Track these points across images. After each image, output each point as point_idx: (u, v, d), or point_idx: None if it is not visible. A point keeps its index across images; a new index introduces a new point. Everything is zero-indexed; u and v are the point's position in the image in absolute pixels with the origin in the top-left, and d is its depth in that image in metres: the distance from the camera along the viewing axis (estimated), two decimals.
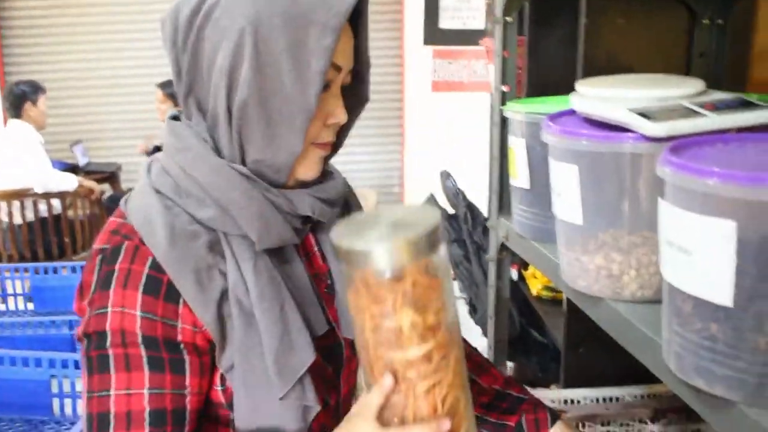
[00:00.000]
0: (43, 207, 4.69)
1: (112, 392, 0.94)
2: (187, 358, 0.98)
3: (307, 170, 1.05)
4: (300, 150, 1.00)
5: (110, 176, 5.88)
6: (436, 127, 6.26)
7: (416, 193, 2.69)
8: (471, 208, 2.50)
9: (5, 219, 4.60)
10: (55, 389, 1.84)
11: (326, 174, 1.11)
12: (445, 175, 2.68)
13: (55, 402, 1.85)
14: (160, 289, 0.97)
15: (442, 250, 0.87)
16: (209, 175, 0.99)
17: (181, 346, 0.98)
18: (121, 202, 1.06)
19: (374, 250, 0.82)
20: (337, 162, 1.16)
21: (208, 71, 0.98)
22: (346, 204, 1.18)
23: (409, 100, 6.51)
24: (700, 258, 0.73)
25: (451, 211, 2.65)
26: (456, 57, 6.33)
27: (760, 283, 0.70)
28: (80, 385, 1.82)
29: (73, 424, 1.60)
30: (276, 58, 0.95)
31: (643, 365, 1.79)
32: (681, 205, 0.75)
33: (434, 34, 6.28)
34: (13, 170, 4.64)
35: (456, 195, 2.55)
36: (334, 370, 1.11)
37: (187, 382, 0.98)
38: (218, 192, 0.99)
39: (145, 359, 0.95)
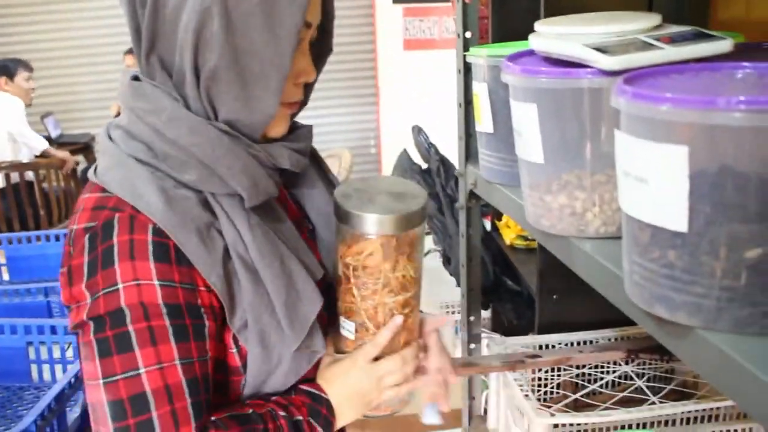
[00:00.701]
0: (14, 175, 4.67)
1: (142, 370, 0.89)
2: (207, 323, 0.96)
3: (278, 129, 1.04)
4: (276, 111, 0.99)
5: (84, 147, 5.84)
6: (410, 85, 6.25)
7: (393, 151, 2.68)
8: (443, 161, 2.50)
9: None
10: (32, 356, 1.84)
11: (293, 125, 1.10)
12: (417, 130, 2.67)
13: (33, 368, 1.85)
14: (170, 255, 0.93)
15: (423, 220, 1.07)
16: (189, 135, 0.95)
17: (202, 310, 0.95)
18: (90, 176, 1.01)
19: (387, 218, 1.01)
20: (314, 124, 1.17)
21: (172, 28, 0.94)
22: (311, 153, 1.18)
23: (382, 60, 6.47)
24: (655, 186, 0.73)
25: (424, 165, 2.64)
26: (426, 14, 6.29)
27: (714, 208, 0.70)
28: (58, 352, 1.83)
29: (49, 389, 1.59)
30: (247, 16, 0.92)
31: (616, 309, 1.82)
32: (636, 134, 0.74)
33: None
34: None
35: (428, 149, 2.55)
36: (327, 312, 1.11)
37: (207, 346, 0.96)
38: (201, 152, 0.96)
39: (170, 330, 0.91)
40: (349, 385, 1.07)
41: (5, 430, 1.38)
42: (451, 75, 1.65)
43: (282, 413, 0.99)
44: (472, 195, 1.57)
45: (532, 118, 1.00)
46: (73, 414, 1.60)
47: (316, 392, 1.05)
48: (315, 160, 1.19)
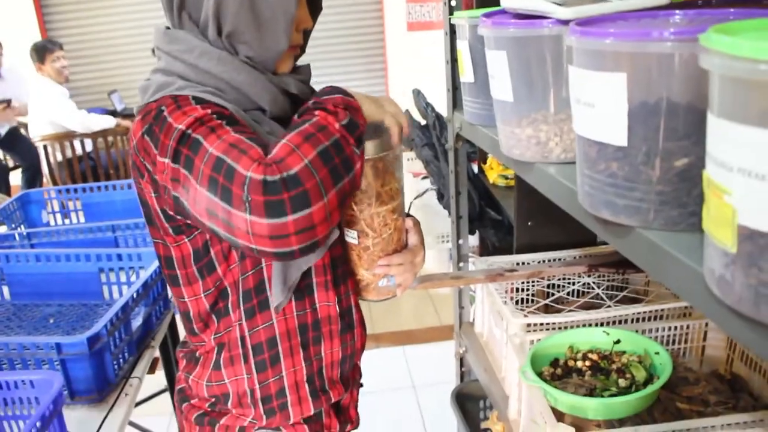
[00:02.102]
0: (89, 145, 4.69)
1: (211, 148, 0.88)
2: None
3: (284, 66, 1.09)
4: (285, 47, 1.03)
5: None
6: (412, 60, 6.19)
7: None
8: (439, 117, 2.48)
9: (60, 157, 4.60)
10: (104, 279, 1.87)
11: (296, 66, 1.14)
12: (416, 93, 2.66)
13: (105, 289, 1.87)
14: (209, 102, 0.97)
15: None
16: (219, 65, 1.00)
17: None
18: (136, 109, 1.03)
19: (371, 145, 1.03)
20: None
21: None
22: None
23: (389, 39, 6.41)
24: (600, 108, 0.73)
25: (423, 122, 2.63)
26: (426, 0, 6.21)
27: (648, 125, 0.70)
28: (124, 276, 1.86)
29: None
30: None
31: (580, 232, 1.82)
32: (584, 66, 0.74)
33: None
34: (46, 119, 4.62)
35: (426, 108, 2.53)
36: None
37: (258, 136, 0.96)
38: (229, 76, 1.00)
39: (224, 122, 0.92)
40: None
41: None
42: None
43: (300, 113, 0.98)
44: (458, 137, 1.57)
45: (502, 63, 0.99)
46: (136, 322, 1.63)
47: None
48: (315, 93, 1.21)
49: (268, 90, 1.03)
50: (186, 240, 1.04)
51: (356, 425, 1.28)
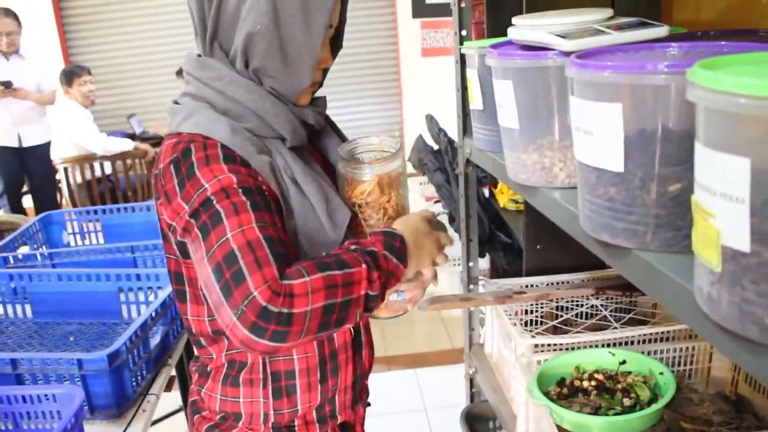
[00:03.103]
0: (108, 167, 4.77)
1: (229, 234, 0.94)
2: (272, 203, 1.02)
3: (304, 99, 1.14)
4: (308, 84, 1.09)
5: (161, 141, 5.91)
6: (427, 85, 6.26)
7: (414, 139, 2.76)
8: (451, 142, 2.52)
9: (79, 178, 4.69)
10: (123, 298, 1.91)
11: (314, 98, 1.20)
12: (429, 118, 2.70)
13: (124, 308, 1.92)
14: (237, 159, 1.01)
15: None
16: (246, 93, 1.06)
17: (266, 193, 1.02)
18: (165, 132, 1.10)
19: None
20: (347, 119, 1.28)
21: (232, 19, 1.04)
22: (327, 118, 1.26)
23: (404, 65, 6.50)
24: (598, 136, 0.77)
25: (435, 146, 2.68)
26: (440, 27, 6.30)
27: (643, 152, 0.74)
28: (143, 296, 1.91)
29: None
30: (290, 15, 1.02)
31: (587, 256, 1.84)
32: (583, 96, 0.78)
33: (422, 9, 6.28)
34: (68, 141, 4.69)
35: (438, 133, 2.58)
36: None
37: (276, 218, 1.01)
38: (254, 105, 1.06)
39: (248, 203, 0.97)
40: (413, 224, 1.10)
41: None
42: None
43: (353, 247, 1.02)
44: (468, 162, 1.61)
45: (509, 92, 1.04)
46: (154, 341, 1.67)
47: (389, 229, 1.07)
48: (329, 122, 1.27)
49: (290, 120, 1.08)
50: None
51: None
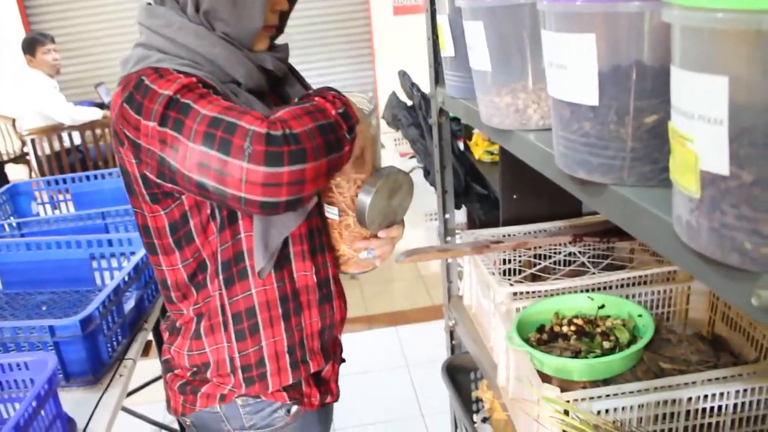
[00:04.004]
0: (77, 138, 4.68)
1: (204, 111, 0.93)
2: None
3: (260, 45, 1.12)
4: (260, 26, 1.07)
5: None
6: (399, 45, 6.19)
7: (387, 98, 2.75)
8: (424, 97, 2.50)
9: (48, 150, 4.59)
10: (95, 265, 1.88)
11: (273, 45, 1.18)
12: (402, 74, 2.67)
13: (97, 275, 1.89)
14: (190, 74, 1.00)
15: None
16: (195, 39, 1.04)
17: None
18: (120, 80, 1.06)
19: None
20: (320, 81, 1.25)
21: None
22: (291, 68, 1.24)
23: (376, 25, 6.41)
24: (572, 70, 0.75)
25: (409, 102, 2.65)
26: None
27: (617, 83, 0.72)
28: (115, 262, 1.87)
29: None
30: None
31: (564, 204, 1.84)
32: (556, 29, 0.76)
33: None
34: (34, 111, 4.58)
35: (411, 88, 2.55)
36: None
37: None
38: (205, 50, 1.04)
39: (211, 92, 0.97)
40: None
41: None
42: None
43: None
44: (441, 111, 1.59)
45: (479, 33, 1.01)
46: (128, 305, 1.65)
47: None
48: (292, 71, 1.24)
49: (243, 64, 1.06)
50: (162, 212, 1.07)
51: (336, 398, 1.32)
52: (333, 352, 1.30)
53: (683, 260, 0.64)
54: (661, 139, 0.73)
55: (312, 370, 1.21)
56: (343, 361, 1.38)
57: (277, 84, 1.17)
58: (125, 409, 2.61)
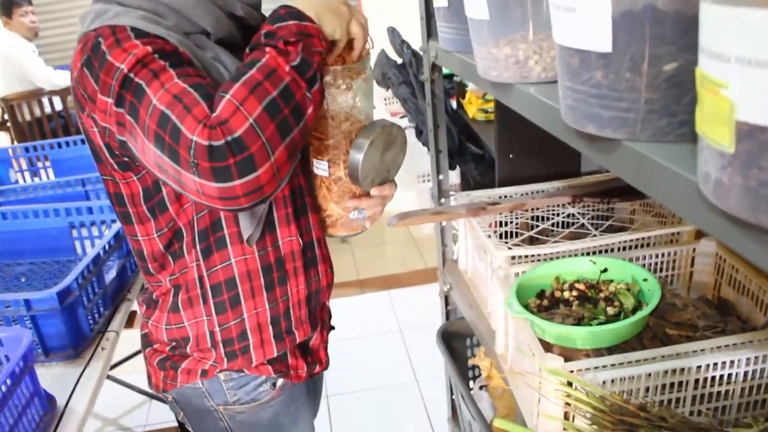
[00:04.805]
0: (58, 103, 4.55)
1: (155, 99, 0.85)
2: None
3: None
4: None
5: None
6: (388, 2, 6.04)
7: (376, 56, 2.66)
8: (415, 54, 2.41)
9: (28, 116, 4.47)
10: (75, 234, 1.81)
11: None
12: (391, 30, 2.58)
13: (77, 244, 1.82)
14: (149, 35, 0.92)
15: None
16: None
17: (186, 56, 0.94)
18: (79, 38, 0.98)
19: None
20: None
21: None
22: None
23: None
24: (582, 13, 0.68)
25: (399, 60, 2.56)
26: None
27: (632, 27, 0.65)
28: (96, 230, 1.80)
29: None
30: None
31: (562, 163, 1.78)
32: None
33: None
34: (12, 75, 4.44)
35: (401, 45, 2.46)
36: None
37: (203, 73, 0.93)
38: (170, 0, 0.96)
39: (166, 64, 0.88)
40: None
41: None
42: None
43: (249, 48, 0.93)
44: (434, 67, 1.51)
45: None
46: (110, 275, 1.58)
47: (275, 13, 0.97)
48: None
49: (210, 11, 0.98)
50: (134, 178, 1.00)
51: (326, 366, 1.27)
52: (321, 320, 1.25)
53: (709, 222, 0.58)
54: (680, 90, 0.66)
55: (298, 341, 1.15)
56: (332, 328, 1.33)
57: (251, 33, 1.09)
58: (114, 379, 2.56)
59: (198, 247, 1.04)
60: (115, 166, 1.00)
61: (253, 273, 1.06)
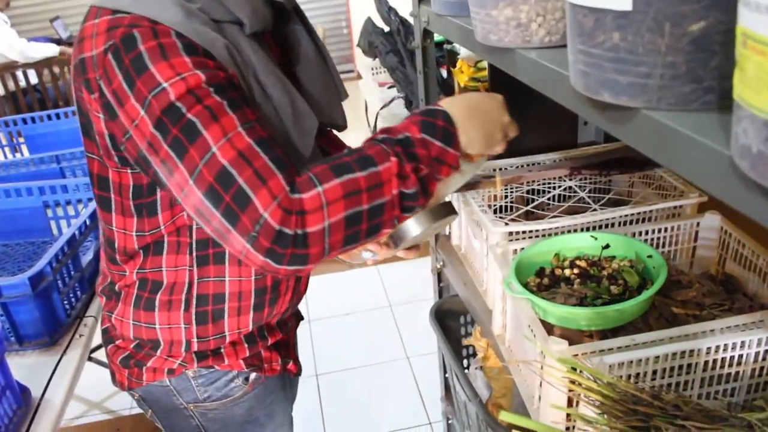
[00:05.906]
0: (33, 77, 4.42)
1: (215, 148, 0.77)
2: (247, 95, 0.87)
3: None
4: None
5: None
6: None
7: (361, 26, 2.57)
8: (403, 22, 2.33)
9: (2, 90, 4.34)
10: (50, 214, 1.73)
11: None
12: None
13: (53, 224, 1.74)
14: (198, 49, 0.82)
15: None
16: None
17: (239, 85, 0.86)
18: (96, 3, 0.86)
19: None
20: None
21: None
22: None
23: None
24: None
25: (386, 28, 2.47)
26: None
27: None
28: (72, 210, 1.72)
29: None
30: None
31: (560, 135, 1.71)
32: None
33: None
34: None
35: (388, 13, 2.37)
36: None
37: (258, 112, 0.86)
38: None
39: (224, 104, 0.80)
40: (471, 101, 0.93)
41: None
42: None
43: (381, 137, 0.85)
44: (426, 33, 1.43)
45: None
46: (86, 257, 1.51)
47: (430, 107, 0.90)
48: (298, 12, 1.08)
49: (248, 1, 0.89)
50: (129, 172, 0.91)
51: (298, 370, 1.23)
52: (293, 320, 1.22)
53: (745, 200, 0.52)
54: (706, 53, 0.60)
55: (270, 342, 1.11)
56: (301, 318, 1.29)
57: (279, 21, 1.01)
58: (97, 361, 2.50)
59: (194, 254, 0.97)
60: (115, 159, 0.91)
61: (244, 294, 1.01)
